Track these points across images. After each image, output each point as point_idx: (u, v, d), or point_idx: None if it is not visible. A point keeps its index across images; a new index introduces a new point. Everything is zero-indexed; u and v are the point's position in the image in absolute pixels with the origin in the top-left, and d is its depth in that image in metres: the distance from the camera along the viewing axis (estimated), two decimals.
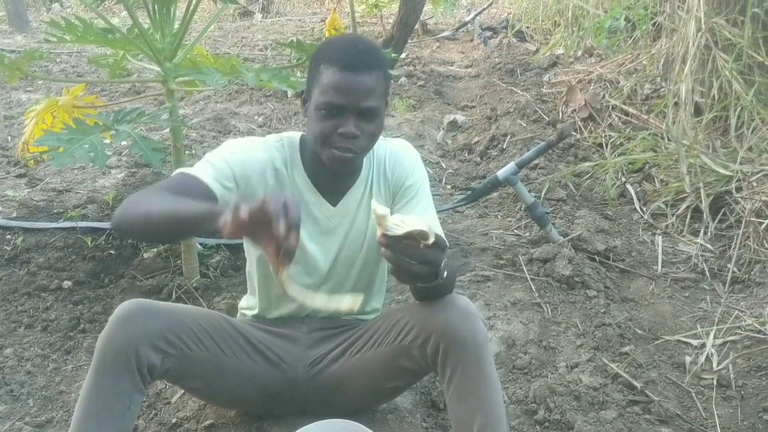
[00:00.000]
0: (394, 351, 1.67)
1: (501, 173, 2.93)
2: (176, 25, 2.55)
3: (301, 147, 1.78)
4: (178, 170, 1.68)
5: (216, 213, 1.33)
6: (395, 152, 1.83)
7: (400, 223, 1.35)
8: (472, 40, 8.19)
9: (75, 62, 6.90)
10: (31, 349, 2.40)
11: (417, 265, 1.36)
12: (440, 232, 1.72)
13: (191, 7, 2.51)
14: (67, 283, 2.79)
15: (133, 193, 1.51)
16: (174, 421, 2.00)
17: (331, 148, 1.61)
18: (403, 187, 1.79)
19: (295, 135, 1.80)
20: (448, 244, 1.42)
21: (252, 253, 1.85)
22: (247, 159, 1.70)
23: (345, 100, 1.57)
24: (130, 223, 1.52)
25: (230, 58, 2.59)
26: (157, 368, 1.58)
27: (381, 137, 1.85)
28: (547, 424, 2.02)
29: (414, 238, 1.34)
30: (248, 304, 1.96)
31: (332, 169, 1.69)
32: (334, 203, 1.79)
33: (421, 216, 1.70)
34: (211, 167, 1.64)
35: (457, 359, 1.54)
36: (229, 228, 1.26)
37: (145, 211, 1.48)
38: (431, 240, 1.34)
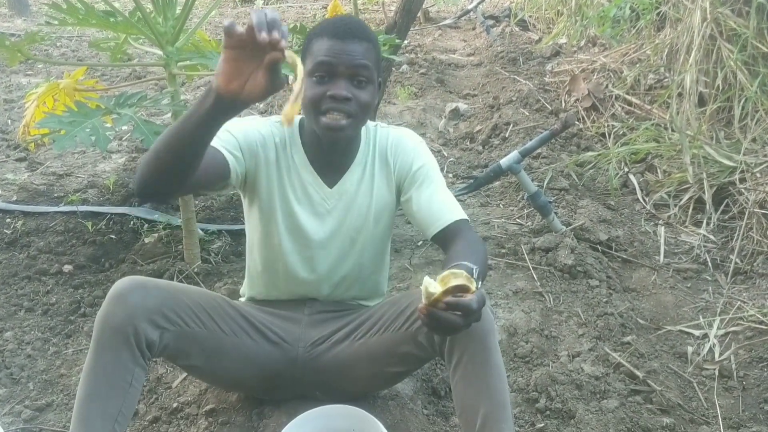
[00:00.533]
0: (401, 337, 1.66)
1: (504, 162, 2.92)
2: (178, 10, 2.53)
3: (300, 127, 1.80)
4: None
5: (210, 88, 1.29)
6: (397, 138, 1.82)
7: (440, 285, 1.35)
8: (474, 29, 8.14)
9: (75, 46, 6.87)
10: (32, 332, 2.39)
11: (459, 320, 1.35)
12: (463, 213, 1.73)
13: None
14: (67, 267, 2.79)
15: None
16: (175, 405, 2.00)
17: (323, 116, 1.62)
18: (411, 172, 1.78)
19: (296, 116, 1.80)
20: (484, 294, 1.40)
21: (254, 235, 1.84)
22: (249, 130, 1.73)
23: (335, 60, 1.59)
24: (145, 170, 1.44)
25: None
26: (155, 344, 1.58)
27: (383, 124, 1.85)
28: (548, 412, 2.02)
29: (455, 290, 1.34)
30: (249, 290, 1.96)
31: (327, 141, 1.69)
32: (331, 185, 1.79)
33: (437, 196, 1.73)
34: (216, 138, 1.61)
35: (464, 346, 1.53)
36: (231, 42, 1.23)
37: (152, 149, 1.43)
38: (473, 288, 1.35)
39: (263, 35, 1.20)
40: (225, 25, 1.23)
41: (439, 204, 1.73)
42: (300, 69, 1.29)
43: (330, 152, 1.76)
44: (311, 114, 1.64)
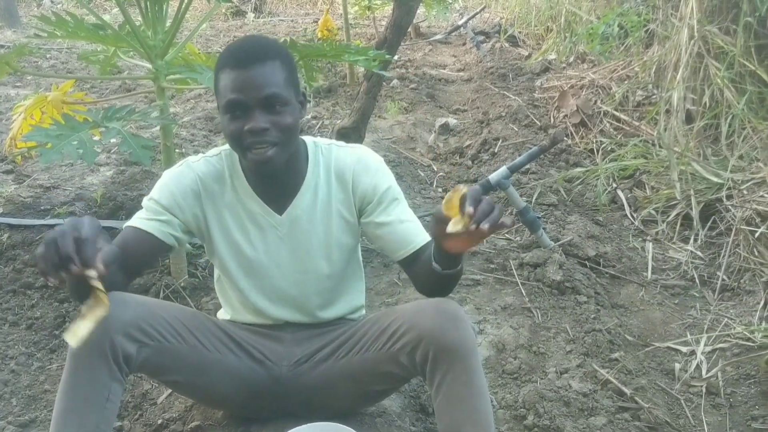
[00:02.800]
0: (383, 357, 1.65)
1: (493, 177, 2.92)
2: (168, 23, 2.53)
3: (240, 158, 1.73)
4: (125, 225, 1.68)
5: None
6: (358, 158, 1.75)
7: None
8: (464, 44, 8.20)
9: (65, 58, 6.86)
10: (16, 347, 2.37)
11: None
12: (425, 236, 1.70)
13: (183, 5, 2.49)
14: (52, 281, 2.75)
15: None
16: (160, 422, 1.98)
17: (247, 151, 1.57)
18: (377, 194, 1.72)
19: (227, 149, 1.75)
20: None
21: (217, 264, 1.82)
22: (172, 186, 1.69)
23: (243, 96, 1.53)
24: None
25: None
26: (133, 358, 1.55)
27: (340, 143, 1.80)
28: (536, 429, 2.01)
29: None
30: (228, 315, 1.93)
31: (260, 173, 1.66)
32: (280, 211, 1.73)
33: (405, 218, 1.73)
34: (144, 211, 1.68)
35: (446, 366, 1.52)
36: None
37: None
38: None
39: (74, 268, 1.27)
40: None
41: (406, 228, 1.71)
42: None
43: (272, 179, 1.70)
44: (238, 151, 1.61)
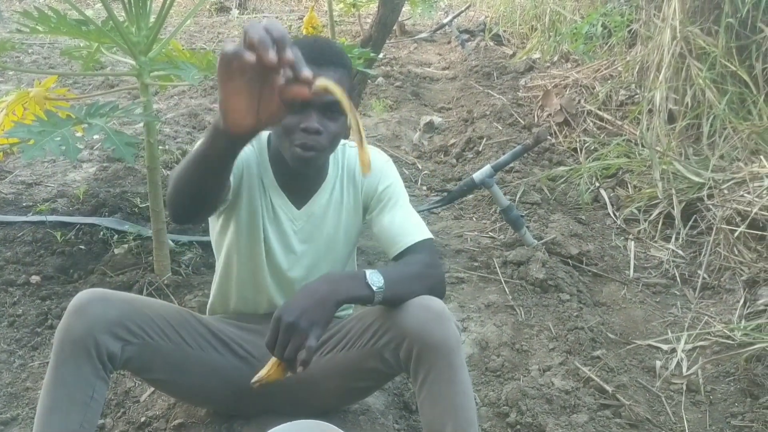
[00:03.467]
0: (366, 353, 1.66)
1: (477, 176, 2.94)
2: (152, 19, 2.51)
3: (269, 146, 1.78)
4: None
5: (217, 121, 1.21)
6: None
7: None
8: (449, 43, 8.21)
9: (47, 53, 6.80)
10: None
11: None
12: (426, 233, 1.73)
13: (168, 1, 2.47)
14: (35, 278, 2.74)
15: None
16: (143, 419, 1.97)
17: (293, 146, 1.59)
18: (377, 192, 1.78)
19: (263, 134, 1.79)
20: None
21: (231, 251, 1.82)
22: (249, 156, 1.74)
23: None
24: (176, 206, 1.47)
25: (206, 53, 2.56)
26: (117, 356, 1.55)
27: (350, 144, 1.84)
28: (518, 427, 2.02)
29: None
30: (218, 305, 1.94)
31: (295, 169, 1.67)
32: (299, 206, 1.78)
33: (399, 217, 1.74)
34: None
35: (429, 364, 1.52)
36: (233, 71, 1.08)
37: (176, 190, 1.43)
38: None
39: (271, 56, 1.04)
40: (228, 51, 1.06)
41: (400, 226, 1.73)
42: (347, 104, 1.20)
43: (298, 175, 1.75)
44: (283, 141, 1.62)
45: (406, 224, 1.74)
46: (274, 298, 1.84)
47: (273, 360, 1.46)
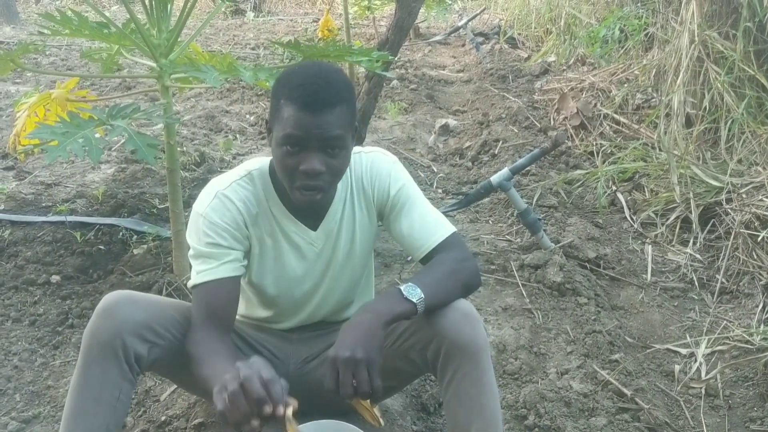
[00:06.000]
0: (392, 354, 1.65)
1: (495, 179, 2.94)
2: (172, 22, 2.53)
3: (272, 175, 1.71)
4: (194, 284, 1.63)
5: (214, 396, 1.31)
6: (371, 163, 1.76)
7: None
8: (463, 45, 8.21)
9: (64, 55, 6.86)
10: (19, 343, 2.37)
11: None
12: (448, 228, 1.70)
13: (189, 4, 2.50)
14: (55, 278, 2.77)
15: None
16: (163, 418, 1.99)
17: (294, 189, 1.56)
18: (390, 197, 1.74)
19: (264, 163, 1.73)
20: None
21: (250, 283, 1.82)
22: (222, 223, 1.63)
23: (306, 135, 1.50)
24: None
25: (225, 56, 2.58)
26: (144, 358, 1.56)
27: (355, 150, 1.77)
28: (537, 429, 2.02)
29: None
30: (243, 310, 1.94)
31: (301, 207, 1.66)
32: (314, 227, 1.74)
33: (417, 221, 1.71)
34: (206, 260, 1.62)
35: (457, 363, 1.53)
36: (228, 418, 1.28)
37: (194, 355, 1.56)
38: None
39: (267, 410, 1.25)
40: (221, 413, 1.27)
41: (420, 228, 1.69)
42: None
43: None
44: (286, 184, 1.59)
45: (426, 225, 1.70)
46: (299, 314, 1.84)
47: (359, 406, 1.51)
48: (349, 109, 1.57)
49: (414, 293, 1.49)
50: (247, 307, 1.88)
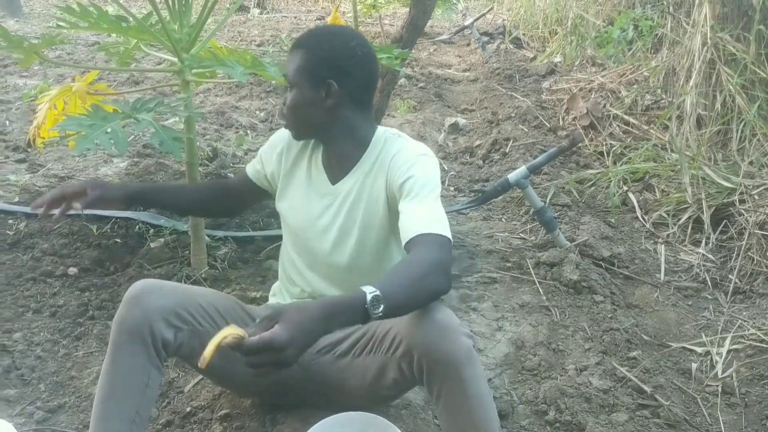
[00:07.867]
0: (387, 361, 1.64)
1: (512, 176, 2.96)
2: (193, 17, 2.54)
3: None
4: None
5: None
6: (401, 149, 1.78)
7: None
8: (468, 45, 8.23)
9: (71, 49, 6.84)
10: (41, 334, 2.38)
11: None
12: (445, 230, 1.60)
13: (211, 0, 2.50)
14: (72, 270, 2.77)
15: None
16: (188, 410, 2.00)
17: None
18: (398, 184, 1.72)
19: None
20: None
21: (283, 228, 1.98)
22: (270, 141, 2.00)
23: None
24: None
25: (245, 52, 2.59)
26: (171, 343, 1.61)
27: (404, 136, 1.84)
28: (558, 425, 2.04)
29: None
30: (278, 292, 2.02)
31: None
32: (334, 182, 1.84)
33: (414, 210, 1.66)
34: (254, 159, 2.05)
35: (440, 379, 1.50)
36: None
37: None
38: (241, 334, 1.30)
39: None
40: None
41: (411, 219, 1.62)
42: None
43: (328, 151, 1.86)
44: None
45: (418, 217, 1.62)
46: (324, 258, 1.86)
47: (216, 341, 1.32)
48: (308, 54, 1.75)
49: (376, 307, 1.35)
50: (287, 262, 1.97)
